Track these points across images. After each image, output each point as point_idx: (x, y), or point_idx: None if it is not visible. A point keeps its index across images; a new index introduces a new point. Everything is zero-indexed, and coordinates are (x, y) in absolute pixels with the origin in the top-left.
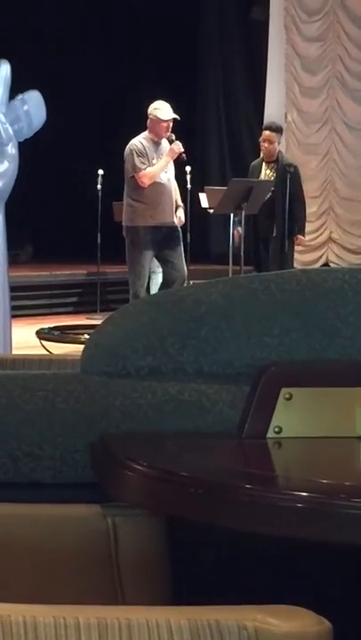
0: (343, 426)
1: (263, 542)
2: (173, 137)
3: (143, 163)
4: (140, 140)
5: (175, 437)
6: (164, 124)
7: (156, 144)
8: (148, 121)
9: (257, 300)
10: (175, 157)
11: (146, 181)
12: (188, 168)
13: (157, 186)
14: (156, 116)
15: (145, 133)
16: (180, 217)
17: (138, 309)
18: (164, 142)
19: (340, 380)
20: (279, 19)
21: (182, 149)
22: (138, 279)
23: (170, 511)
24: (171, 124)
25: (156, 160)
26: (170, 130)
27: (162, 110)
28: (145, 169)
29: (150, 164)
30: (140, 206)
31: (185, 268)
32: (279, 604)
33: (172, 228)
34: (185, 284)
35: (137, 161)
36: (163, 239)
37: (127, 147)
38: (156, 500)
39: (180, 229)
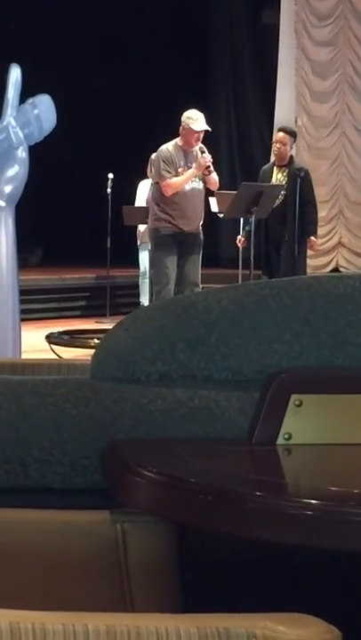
0: (353, 432)
1: (273, 549)
2: (204, 149)
3: (168, 172)
4: (167, 147)
5: (185, 444)
6: (195, 135)
7: (186, 152)
8: (181, 128)
9: (267, 306)
10: (201, 170)
11: (169, 191)
12: None
13: (181, 195)
14: (188, 126)
15: (175, 140)
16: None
17: (148, 315)
18: (196, 149)
19: (350, 386)
20: (290, 23)
21: (209, 163)
22: (163, 277)
23: (179, 518)
24: (201, 136)
25: (183, 168)
26: (200, 140)
27: (195, 121)
28: (169, 178)
29: (176, 173)
30: (163, 210)
31: (199, 277)
32: (289, 611)
33: (195, 234)
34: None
35: (162, 169)
36: (185, 243)
37: (156, 152)
38: (165, 506)
39: (202, 237)
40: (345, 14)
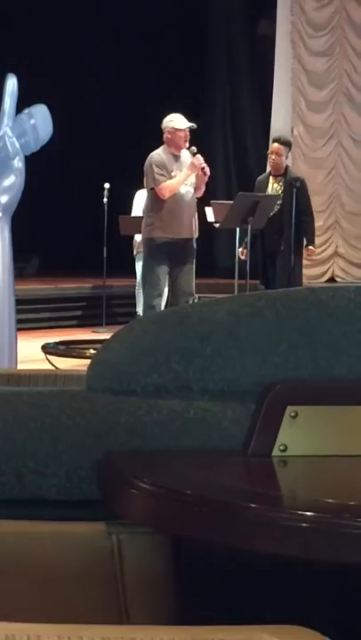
0: (349, 444)
1: (269, 561)
2: (195, 150)
3: (163, 175)
4: (158, 153)
5: (180, 455)
6: (182, 134)
7: (176, 157)
8: (165, 135)
9: (263, 317)
10: (196, 172)
11: (166, 194)
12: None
13: (176, 199)
14: (172, 127)
15: (163, 147)
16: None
17: (144, 327)
18: (184, 155)
19: (345, 398)
20: (286, 33)
21: (204, 164)
22: (154, 290)
23: (175, 530)
24: (188, 135)
25: (176, 173)
26: (187, 139)
27: (176, 121)
28: (165, 181)
29: (170, 177)
30: (158, 218)
31: (193, 286)
32: (284, 623)
33: (189, 241)
34: (190, 302)
35: (156, 173)
36: (178, 253)
37: (147, 159)
38: (160, 518)
39: (195, 244)
40: (341, 25)
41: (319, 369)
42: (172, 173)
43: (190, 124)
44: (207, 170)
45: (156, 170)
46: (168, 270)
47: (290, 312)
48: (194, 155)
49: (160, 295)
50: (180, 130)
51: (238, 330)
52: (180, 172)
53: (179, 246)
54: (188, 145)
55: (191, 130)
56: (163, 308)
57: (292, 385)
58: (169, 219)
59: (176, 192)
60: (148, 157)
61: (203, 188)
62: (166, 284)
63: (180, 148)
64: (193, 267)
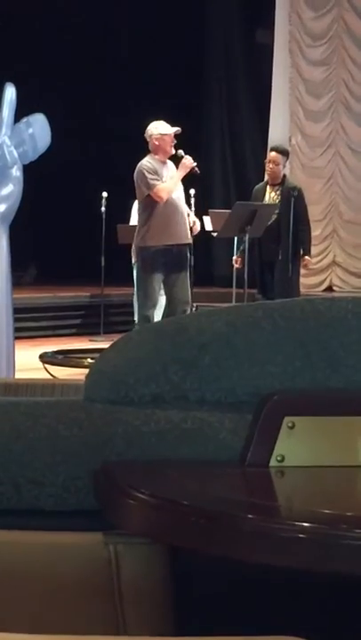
0: (346, 455)
1: (266, 572)
2: (183, 152)
3: (156, 179)
4: (148, 161)
5: (177, 465)
6: (169, 139)
7: (164, 163)
8: (152, 143)
9: (260, 328)
10: (188, 172)
11: (164, 196)
12: (192, 191)
13: (169, 204)
14: (159, 134)
15: (149, 155)
16: (194, 221)
17: (141, 337)
18: (170, 163)
19: (343, 408)
20: (284, 43)
21: (194, 163)
22: (148, 300)
23: (172, 540)
24: (174, 139)
25: (166, 179)
26: (173, 144)
27: (161, 127)
28: (159, 185)
29: (162, 181)
30: (154, 225)
31: (189, 294)
32: (282, 634)
33: (184, 248)
34: (188, 310)
35: (150, 179)
36: (172, 261)
37: (136, 168)
38: (157, 528)
39: (189, 252)
40: (339, 34)
41: (317, 380)
42: (163, 179)
43: (175, 129)
44: (197, 169)
45: (148, 175)
46: (163, 279)
47: (288, 323)
48: (182, 157)
49: (154, 306)
50: (167, 134)
51: (236, 340)
52: (169, 176)
53: (174, 254)
54: (173, 150)
55: (177, 135)
56: (159, 317)
57: (290, 396)
58: (164, 225)
59: (171, 195)
60: (138, 166)
61: (196, 228)
62: (161, 292)
63: (167, 154)
64: (188, 274)
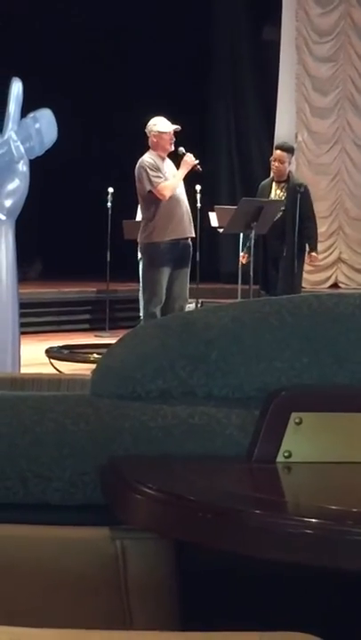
0: (353, 451)
1: (272, 568)
2: (183, 150)
3: (159, 177)
4: (148, 157)
5: (184, 461)
6: (167, 137)
7: (163, 159)
8: (150, 140)
9: (268, 324)
10: (190, 169)
11: (167, 193)
12: (198, 187)
13: (172, 199)
14: (157, 131)
15: (149, 152)
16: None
17: (148, 332)
18: (168, 160)
19: (350, 404)
20: (291, 39)
21: (196, 160)
22: (155, 296)
23: (178, 535)
24: (173, 136)
25: (166, 174)
26: (172, 141)
27: (161, 124)
28: (162, 183)
29: (165, 179)
30: (158, 221)
31: (187, 291)
32: (287, 629)
33: (188, 243)
34: (184, 307)
35: (152, 176)
36: (178, 256)
37: (137, 165)
38: (164, 523)
39: (191, 249)
40: (346, 31)
41: (324, 376)
42: (165, 174)
43: (175, 127)
44: (199, 167)
45: (150, 172)
46: (170, 273)
47: (295, 319)
48: (183, 154)
49: (160, 302)
50: (165, 132)
51: (243, 336)
52: (169, 174)
53: (179, 249)
54: (173, 147)
55: (183, 132)
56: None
57: (297, 391)
58: (169, 220)
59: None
60: (138, 163)
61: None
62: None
63: (166, 151)
64: (188, 271)
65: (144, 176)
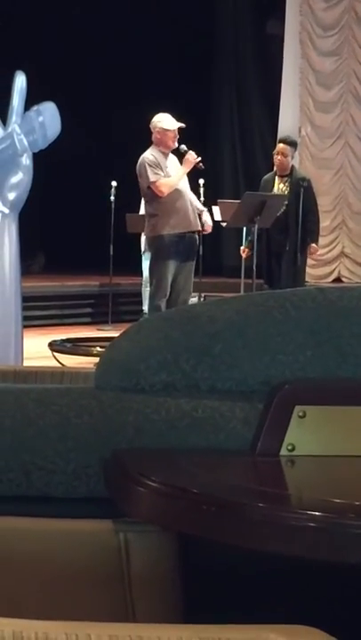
0: (356, 444)
1: (276, 561)
2: (185, 147)
3: (157, 173)
4: (150, 153)
5: (188, 454)
6: (171, 134)
7: (166, 155)
8: (154, 135)
9: (272, 317)
10: (191, 167)
11: (165, 190)
12: (201, 181)
13: (174, 193)
14: (161, 128)
15: (152, 147)
16: (206, 221)
17: (153, 325)
18: (172, 155)
19: (353, 398)
20: (294, 33)
21: (198, 158)
22: (161, 290)
23: (182, 528)
24: (177, 134)
25: (168, 171)
26: (176, 139)
27: (165, 121)
28: (161, 179)
29: (166, 175)
30: (163, 215)
31: (192, 284)
32: (292, 623)
33: (194, 236)
34: (188, 300)
35: (150, 172)
36: (185, 249)
37: (139, 161)
38: (168, 516)
39: (198, 243)
40: (350, 25)
41: (328, 369)
42: (166, 171)
43: (179, 124)
44: (201, 164)
45: (150, 169)
46: (176, 266)
47: (299, 312)
48: (185, 152)
49: (165, 295)
50: (170, 130)
51: (247, 329)
52: (171, 169)
53: (185, 242)
54: (177, 144)
55: (187, 127)
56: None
57: (301, 385)
58: (172, 214)
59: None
60: (140, 159)
61: (207, 226)
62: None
63: (169, 148)
64: (193, 265)
65: (144, 172)
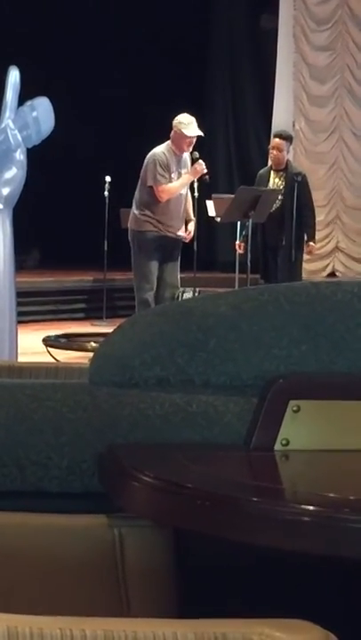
0: (351, 439)
1: (269, 554)
2: (197, 155)
3: (164, 177)
4: (163, 152)
5: (182, 449)
6: (188, 140)
7: (178, 156)
8: (172, 132)
9: (266, 311)
10: (197, 177)
11: (164, 197)
12: None
13: (173, 201)
14: (180, 131)
15: (167, 144)
16: (190, 231)
17: (147, 320)
18: (185, 155)
19: (348, 392)
20: (288, 28)
21: (205, 170)
22: (146, 283)
23: (176, 523)
24: (194, 141)
25: (175, 173)
26: (192, 145)
27: (187, 126)
28: (165, 183)
29: (170, 179)
30: (148, 214)
31: (178, 279)
32: (286, 617)
33: (177, 239)
34: (176, 294)
35: (158, 174)
36: (167, 247)
37: (150, 155)
38: (162, 511)
39: (181, 243)
40: (343, 19)
41: (322, 363)
42: (173, 174)
43: (199, 133)
44: (207, 177)
45: (158, 169)
46: (159, 260)
47: (293, 306)
48: (196, 160)
49: (152, 289)
50: (188, 137)
51: (241, 324)
52: (179, 171)
53: (168, 241)
54: (191, 149)
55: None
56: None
57: (295, 379)
58: (163, 217)
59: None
60: (152, 154)
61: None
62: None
63: (182, 151)
64: (179, 260)
65: (151, 169)
